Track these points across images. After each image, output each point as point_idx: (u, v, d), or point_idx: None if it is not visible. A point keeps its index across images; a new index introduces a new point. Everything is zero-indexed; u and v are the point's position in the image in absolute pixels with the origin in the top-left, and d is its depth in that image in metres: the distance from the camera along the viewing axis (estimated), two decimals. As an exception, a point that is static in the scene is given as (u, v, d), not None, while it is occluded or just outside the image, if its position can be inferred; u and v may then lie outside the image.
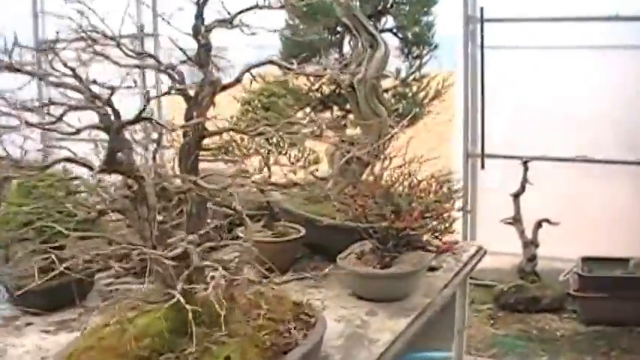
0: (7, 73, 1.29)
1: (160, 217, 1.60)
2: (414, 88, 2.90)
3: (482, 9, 4.83)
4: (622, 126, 4.74)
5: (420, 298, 2.18)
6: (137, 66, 1.45)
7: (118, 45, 1.52)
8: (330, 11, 2.64)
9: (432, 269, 2.39)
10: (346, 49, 2.82)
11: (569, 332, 4.25)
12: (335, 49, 2.85)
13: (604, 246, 4.54)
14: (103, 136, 1.44)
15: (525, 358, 4.03)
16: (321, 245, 2.44)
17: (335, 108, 2.89)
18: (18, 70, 1.24)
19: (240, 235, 2.07)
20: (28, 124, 1.28)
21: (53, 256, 1.22)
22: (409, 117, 2.43)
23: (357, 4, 2.60)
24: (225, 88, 1.66)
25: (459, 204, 2.31)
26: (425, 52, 2.90)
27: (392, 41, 2.84)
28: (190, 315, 1.13)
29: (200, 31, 1.60)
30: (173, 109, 3.01)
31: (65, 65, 1.24)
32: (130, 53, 1.55)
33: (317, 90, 2.77)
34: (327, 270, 1.61)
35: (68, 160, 1.33)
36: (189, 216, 1.63)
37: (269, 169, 2.21)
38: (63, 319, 2.05)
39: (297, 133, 1.73)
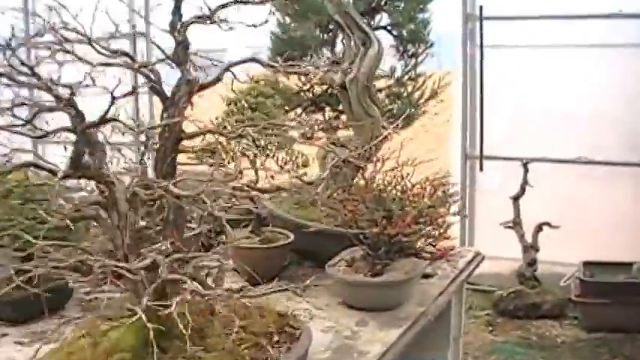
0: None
1: (142, 223, 1.52)
2: (410, 88, 2.82)
3: (481, 7, 4.77)
4: (624, 126, 4.67)
5: (413, 306, 2.10)
6: (106, 64, 1.36)
7: (90, 43, 1.44)
8: (322, 9, 2.56)
9: (427, 276, 2.32)
10: (339, 47, 2.75)
11: (570, 339, 4.15)
12: (327, 48, 2.77)
13: (606, 250, 4.46)
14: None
15: (525, 365, 3.95)
16: (310, 251, 2.36)
17: (327, 109, 2.80)
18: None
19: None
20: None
21: (12, 269, 1.12)
22: (402, 117, 2.33)
23: (350, 0, 2.51)
24: (203, 87, 1.58)
25: (455, 208, 2.23)
26: (421, 50, 2.82)
27: (387, 39, 2.77)
28: (152, 334, 1.04)
29: (176, 27, 1.51)
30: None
31: (22, 64, 1.15)
32: (103, 51, 1.47)
33: (308, 90, 2.69)
34: (308, 282, 1.51)
35: (30, 165, 1.23)
36: (166, 223, 1.54)
37: (256, 173, 2.12)
38: (39, 329, 1.97)
39: (280, 136, 1.64)
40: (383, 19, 2.77)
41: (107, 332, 1.53)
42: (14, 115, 1.37)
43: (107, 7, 1.49)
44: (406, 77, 2.83)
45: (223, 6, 1.58)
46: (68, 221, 1.45)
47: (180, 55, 1.56)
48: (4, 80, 1.13)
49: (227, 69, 1.59)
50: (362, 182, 2.18)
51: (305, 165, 2.19)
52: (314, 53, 2.59)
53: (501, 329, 4.30)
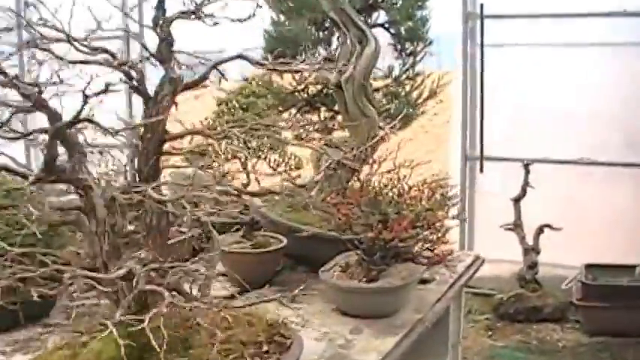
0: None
1: (131, 227, 1.45)
2: (407, 87, 2.75)
3: (482, 5, 4.70)
4: (626, 126, 4.61)
5: (410, 313, 2.03)
6: (84, 62, 1.29)
7: (69, 40, 1.37)
8: (317, 5, 2.48)
9: (424, 282, 2.25)
10: (335, 45, 2.67)
11: (572, 343, 4.09)
12: (323, 46, 2.70)
13: (608, 252, 4.39)
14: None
15: (525, 369, 3.88)
16: (304, 256, 2.29)
17: (323, 109, 2.73)
18: None
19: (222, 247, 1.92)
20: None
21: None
22: (399, 117, 2.26)
23: (346, -3, 2.44)
24: (188, 86, 1.50)
25: (454, 211, 2.15)
26: (419, 48, 2.75)
27: (384, 37, 2.70)
28: (126, 349, 0.97)
29: (159, 23, 1.44)
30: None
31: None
32: (82, 49, 1.40)
33: (303, 90, 2.61)
34: (296, 291, 1.44)
35: (1, 168, 1.16)
36: (149, 228, 1.47)
37: (247, 175, 2.05)
38: (21, 337, 1.91)
39: (271, 137, 1.57)
40: (380, 16, 2.70)
41: (87, 343, 1.47)
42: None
43: (97, 6, 1.44)
44: (404, 76, 2.76)
45: (211, 1, 1.51)
46: (46, 227, 1.38)
47: (164, 53, 1.49)
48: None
49: (214, 67, 1.52)
50: (357, 185, 2.11)
51: (298, 167, 2.12)
52: (309, 52, 2.52)
53: (501, 333, 4.23)
